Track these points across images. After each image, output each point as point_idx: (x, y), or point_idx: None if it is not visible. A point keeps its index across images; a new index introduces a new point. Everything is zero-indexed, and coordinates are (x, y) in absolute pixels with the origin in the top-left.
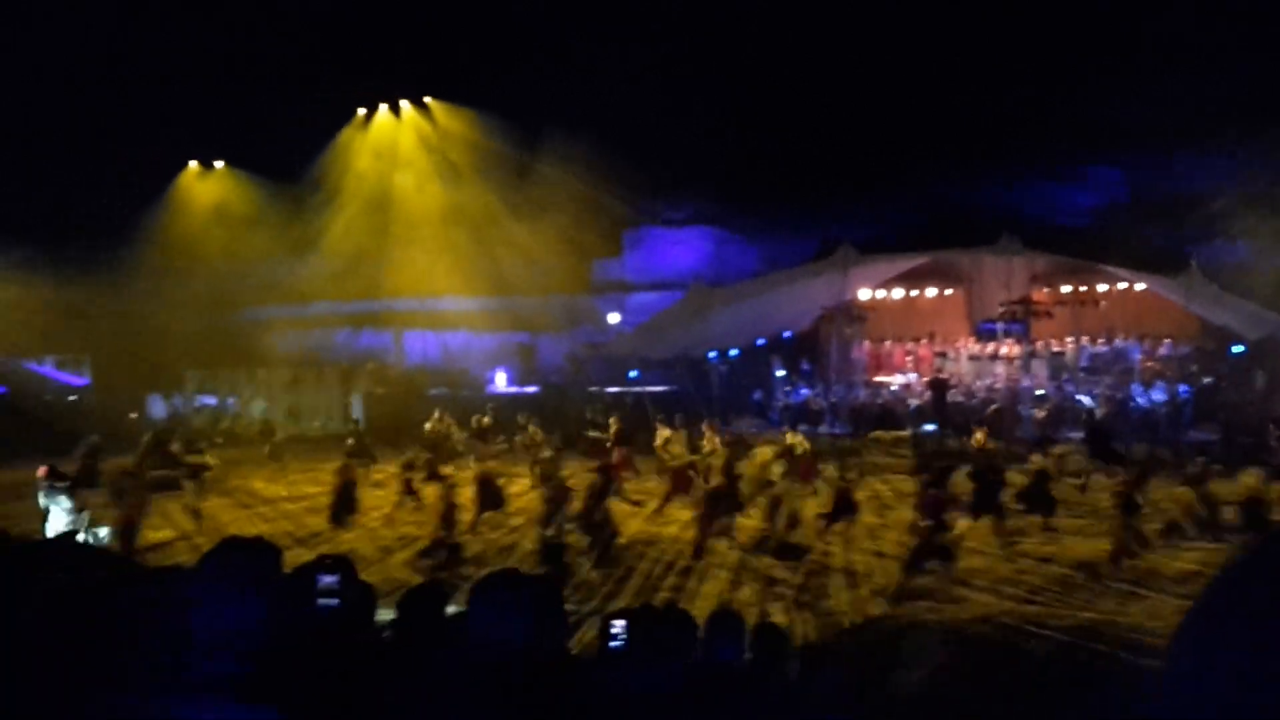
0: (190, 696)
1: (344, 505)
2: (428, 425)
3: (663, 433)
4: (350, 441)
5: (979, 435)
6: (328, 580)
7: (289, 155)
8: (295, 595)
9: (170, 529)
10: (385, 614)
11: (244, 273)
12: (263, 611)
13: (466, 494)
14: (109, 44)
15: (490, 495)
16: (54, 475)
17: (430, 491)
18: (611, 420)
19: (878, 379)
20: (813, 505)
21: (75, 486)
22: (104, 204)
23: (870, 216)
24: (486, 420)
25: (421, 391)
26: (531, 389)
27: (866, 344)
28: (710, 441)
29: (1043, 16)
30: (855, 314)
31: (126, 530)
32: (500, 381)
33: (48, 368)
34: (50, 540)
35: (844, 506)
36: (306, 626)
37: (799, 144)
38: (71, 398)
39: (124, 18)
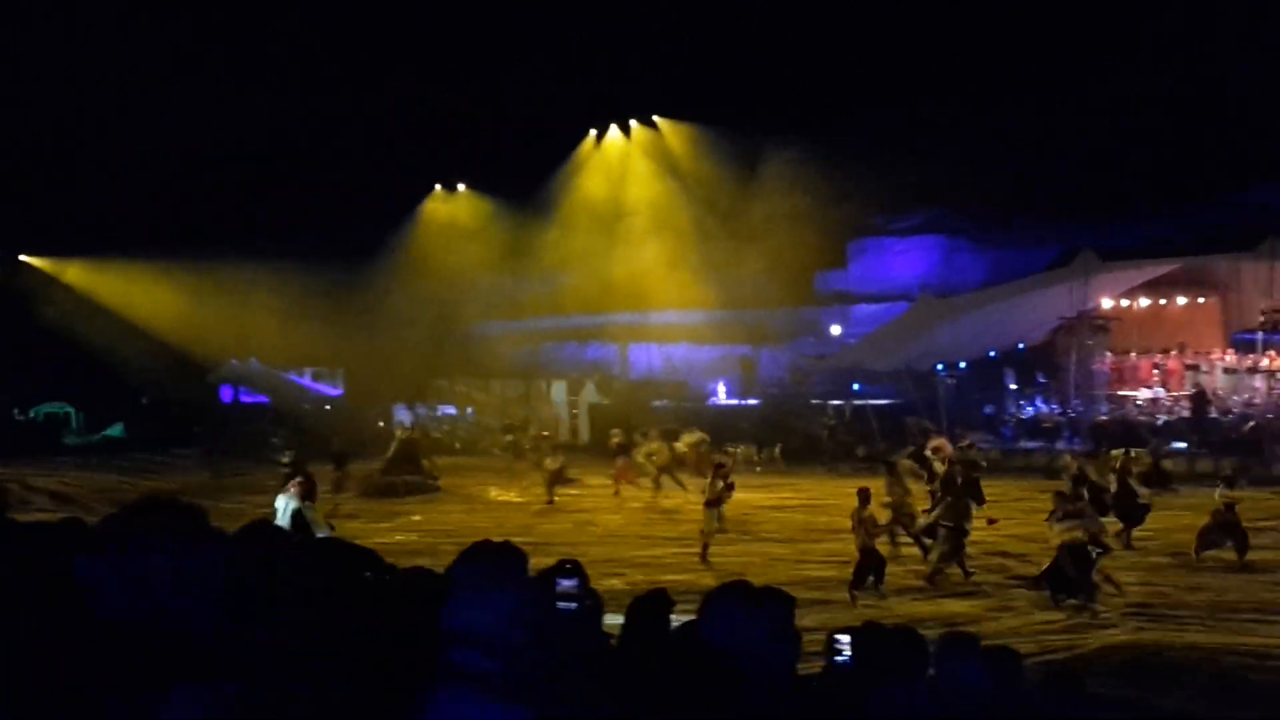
0: (453, 691)
1: None
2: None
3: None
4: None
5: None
6: (566, 584)
7: (527, 177)
8: (539, 597)
9: (407, 533)
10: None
11: (480, 289)
12: (512, 611)
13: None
14: (368, 74)
15: None
16: (307, 492)
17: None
18: (613, 431)
19: (1121, 393)
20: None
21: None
22: (358, 225)
23: (1114, 221)
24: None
25: (644, 403)
26: (752, 401)
27: (1109, 356)
28: (649, 446)
29: None
30: (1097, 324)
31: None
32: (721, 393)
33: (306, 379)
34: (319, 540)
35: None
36: (550, 628)
37: (1036, 148)
38: (326, 407)
39: (374, 45)
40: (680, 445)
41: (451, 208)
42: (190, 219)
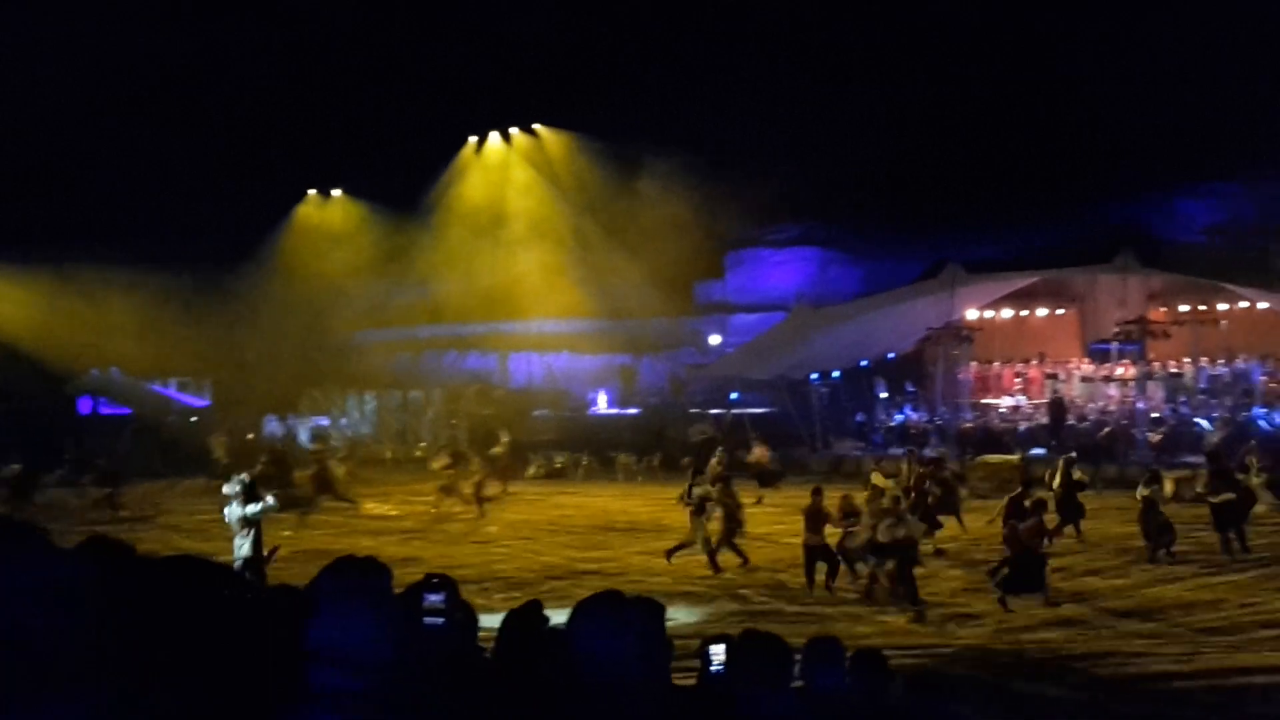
0: (313, 711)
1: None
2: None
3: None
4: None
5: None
6: (434, 599)
7: (404, 183)
8: (405, 613)
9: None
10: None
11: (356, 297)
12: (374, 628)
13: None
14: (230, 76)
15: None
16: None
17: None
18: (504, 439)
19: (985, 401)
20: None
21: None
22: (227, 230)
23: (979, 235)
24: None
25: (525, 413)
26: (632, 410)
27: (974, 365)
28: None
29: (1159, 31)
30: (962, 334)
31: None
32: (601, 403)
33: (170, 389)
34: (172, 558)
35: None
36: (416, 644)
37: (906, 162)
38: (193, 419)
39: (246, 51)
40: (496, 449)
41: (326, 213)
42: (46, 220)
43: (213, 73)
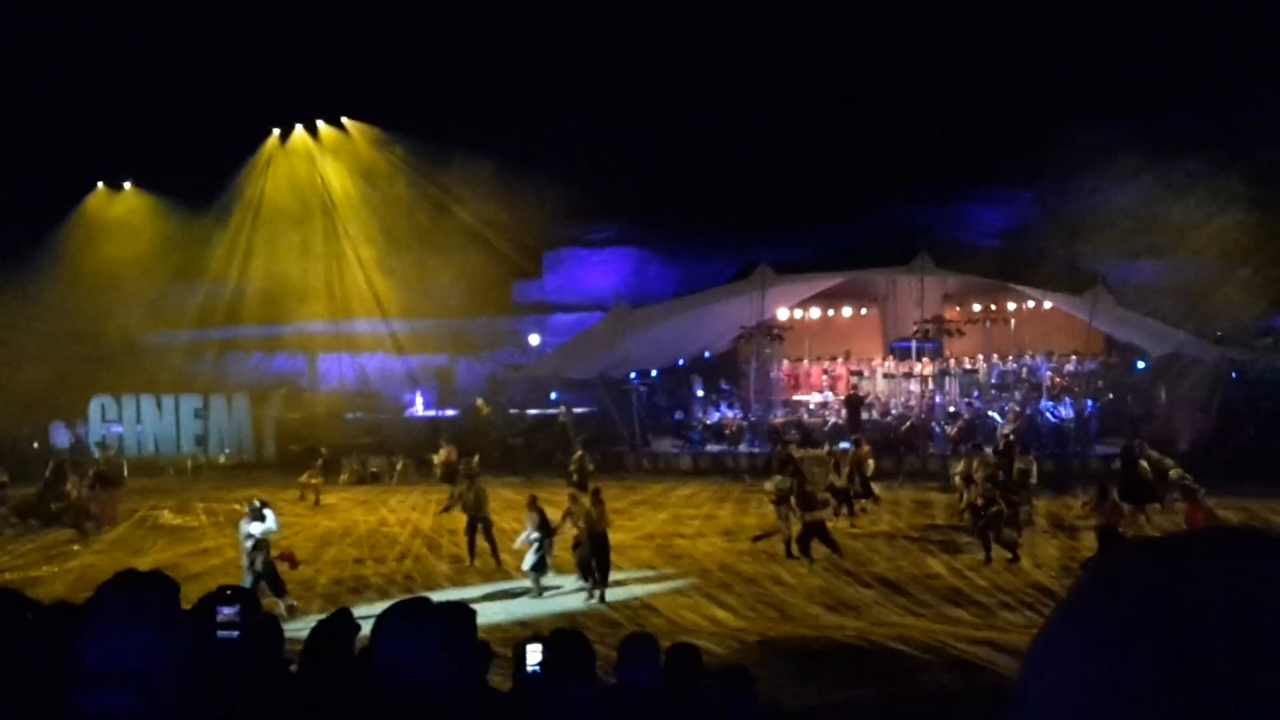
0: None
1: None
2: None
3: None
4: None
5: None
6: (227, 612)
7: (202, 176)
8: (194, 628)
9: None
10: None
11: (152, 296)
12: (156, 646)
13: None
14: (15, 61)
15: None
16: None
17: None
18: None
19: (796, 398)
20: None
21: None
22: (4, 226)
23: (789, 237)
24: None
25: (337, 416)
26: (450, 412)
27: (784, 363)
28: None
29: (953, 39)
30: (773, 333)
31: None
32: (418, 404)
33: None
34: None
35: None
36: (207, 660)
37: (719, 164)
38: None
39: (32, 36)
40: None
41: (117, 207)
42: None
43: None
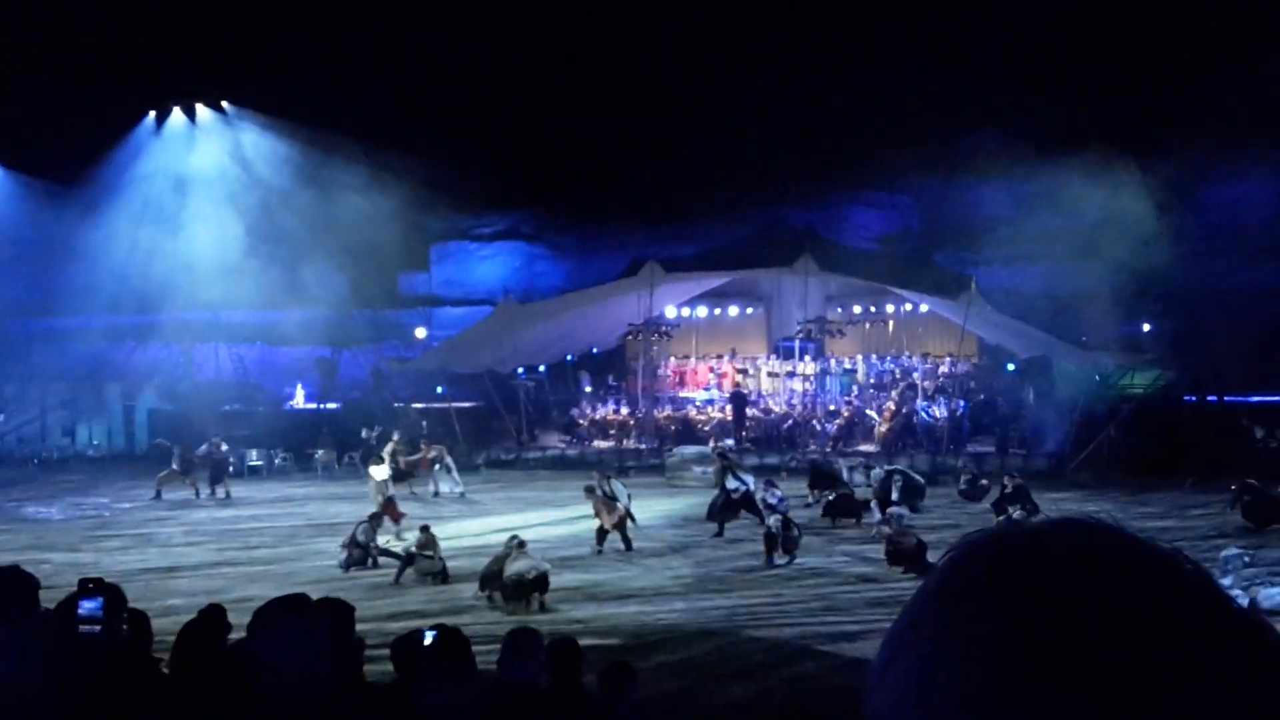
0: None
1: None
2: None
3: None
4: None
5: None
6: (89, 605)
7: (71, 157)
8: (56, 626)
9: None
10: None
11: (13, 282)
12: (9, 645)
13: None
14: None
15: None
16: None
17: None
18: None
19: (682, 395)
20: None
21: None
22: None
23: (679, 235)
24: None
25: (213, 408)
26: (332, 405)
27: (672, 360)
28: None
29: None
30: (661, 330)
31: None
32: (299, 397)
33: None
34: None
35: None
36: (68, 659)
37: (610, 161)
38: None
39: None
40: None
41: None
42: None
43: None
